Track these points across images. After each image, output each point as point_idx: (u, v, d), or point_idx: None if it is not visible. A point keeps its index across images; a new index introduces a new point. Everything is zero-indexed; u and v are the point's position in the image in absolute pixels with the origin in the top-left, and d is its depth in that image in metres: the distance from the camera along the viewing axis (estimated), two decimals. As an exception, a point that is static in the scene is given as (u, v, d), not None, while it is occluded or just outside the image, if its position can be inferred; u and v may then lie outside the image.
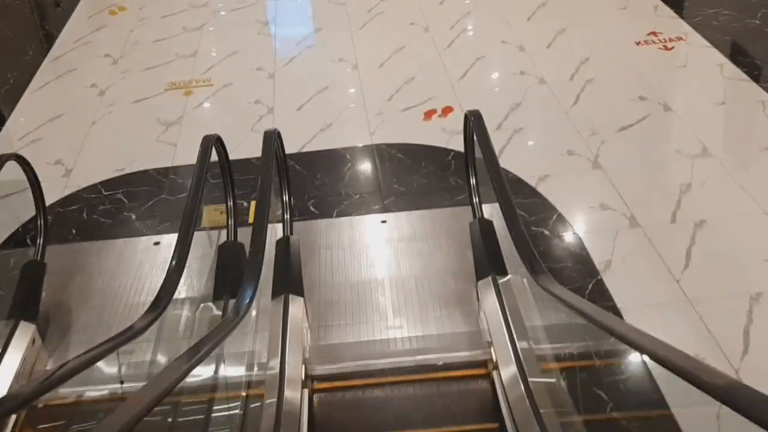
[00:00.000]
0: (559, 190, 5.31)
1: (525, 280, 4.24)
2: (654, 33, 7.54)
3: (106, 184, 5.83)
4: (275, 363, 3.65)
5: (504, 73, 7.09)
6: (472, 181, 4.71)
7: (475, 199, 4.67)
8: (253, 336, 4.04)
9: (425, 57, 7.44)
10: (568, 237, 4.84)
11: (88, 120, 6.80)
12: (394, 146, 5.99)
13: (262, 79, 7.26)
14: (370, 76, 7.17)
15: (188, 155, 5.45)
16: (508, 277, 4.25)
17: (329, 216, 5.22)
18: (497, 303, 3.96)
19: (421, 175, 5.60)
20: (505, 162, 5.66)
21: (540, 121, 6.22)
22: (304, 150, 6.06)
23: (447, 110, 6.44)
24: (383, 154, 5.92)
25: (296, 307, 4.09)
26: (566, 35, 7.64)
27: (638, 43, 7.36)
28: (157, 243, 5.13)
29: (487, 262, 4.24)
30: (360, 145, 6.06)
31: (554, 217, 5.01)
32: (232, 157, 5.39)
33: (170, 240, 5.02)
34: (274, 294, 4.18)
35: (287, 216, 4.67)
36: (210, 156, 4.26)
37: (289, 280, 4.24)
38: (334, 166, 5.81)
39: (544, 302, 3.62)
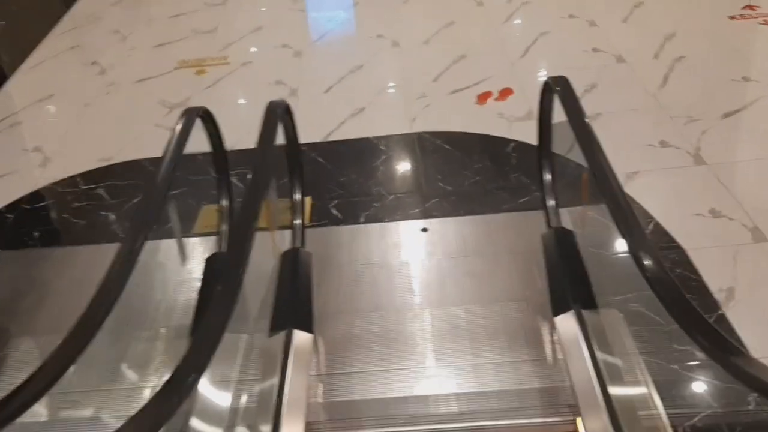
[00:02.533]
0: (653, 191, 4.10)
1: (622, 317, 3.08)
2: (750, 6, 6.32)
3: (87, 176, 4.80)
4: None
5: (573, 50, 5.87)
6: (547, 176, 3.54)
7: (551, 202, 3.49)
8: (236, 390, 2.95)
9: (478, 33, 6.29)
10: (671, 254, 3.63)
11: (80, 101, 5.82)
12: (440, 135, 4.84)
13: (286, 57, 6.18)
14: (412, 54, 6.04)
15: (190, 142, 4.40)
16: (600, 312, 3.09)
17: (355, 221, 4.10)
18: (585, 349, 2.81)
19: (473, 171, 4.44)
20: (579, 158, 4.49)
21: (622, 106, 5.00)
22: (330, 138, 4.94)
23: (505, 93, 5.27)
24: (426, 144, 4.78)
25: (302, 348, 2.99)
26: (644, 9, 6.47)
27: (732, 18, 6.11)
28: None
29: (569, 289, 3.08)
30: (398, 133, 4.93)
31: (649, 227, 3.81)
32: (241, 146, 4.33)
33: (152, 247, 3.96)
34: (273, 328, 3.09)
35: (298, 221, 3.56)
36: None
37: (295, 309, 3.14)
38: (365, 159, 4.68)
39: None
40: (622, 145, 4.60)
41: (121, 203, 4.45)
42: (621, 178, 4.21)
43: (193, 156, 4.37)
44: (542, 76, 5.45)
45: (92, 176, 4.79)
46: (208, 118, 3.26)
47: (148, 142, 5.02)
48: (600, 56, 5.66)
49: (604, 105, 4.99)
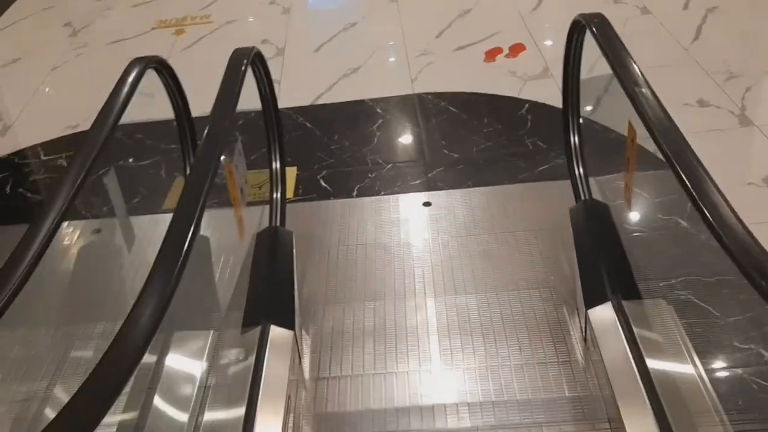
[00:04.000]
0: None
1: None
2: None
3: (49, 145, 4.26)
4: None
5: (591, 1, 5.26)
6: (574, 139, 2.97)
7: (580, 170, 2.92)
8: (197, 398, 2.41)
9: (486, -16, 5.68)
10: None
11: (48, 65, 5.25)
12: (444, 96, 4.27)
13: (274, 14, 5.59)
14: (412, 8, 5.44)
15: (164, 108, 3.87)
16: (645, 303, 2.54)
17: (347, 195, 3.54)
18: (627, 349, 2.27)
19: (482, 136, 3.87)
20: (606, 117, 3.92)
21: (651, 62, 4.38)
22: (319, 101, 4.37)
23: (517, 49, 4.68)
24: (428, 106, 4.20)
25: (281, 347, 2.46)
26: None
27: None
28: (97, 230, 3.53)
29: (606, 275, 2.53)
30: (396, 94, 4.35)
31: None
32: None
33: (112, 226, 3.43)
34: (246, 324, 2.55)
35: (277, 194, 3.00)
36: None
37: (272, 301, 2.59)
38: (359, 124, 4.11)
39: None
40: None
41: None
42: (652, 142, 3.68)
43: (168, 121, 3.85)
44: (557, 29, 4.84)
45: (55, 146, 4.24)
46: (163, 70, 2.69)
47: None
48: (622, 8, 5.06)
49: (629, 60, 4.39)
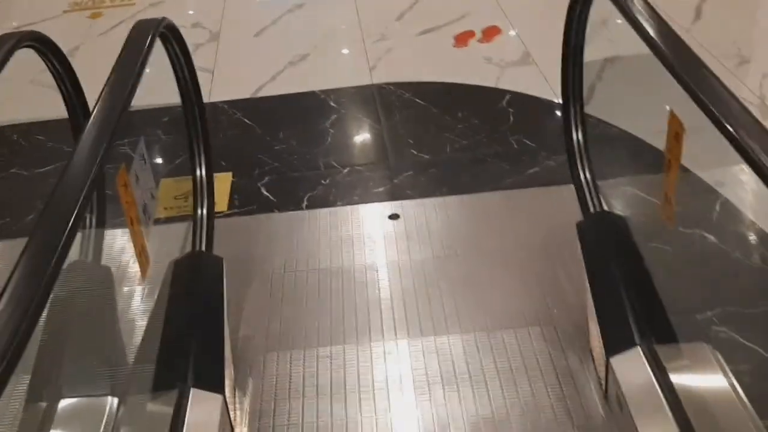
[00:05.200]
0: (710, 156, 2.96)
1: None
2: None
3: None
4: None
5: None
6: (578, 137, 2.34)
7: (586, 175, 2.30)
8: None
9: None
10: (755, 243, 2.50)
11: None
12: (409, 87, 3.62)
13: (208, -5, 4.88)
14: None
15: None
16: (683, 347, 1.95)
17: (295, 206, 2.87)
18: (667, 410, 1.69)
19: (457, 134, 3.24)
20: (600, 111, 3.33)
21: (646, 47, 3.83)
22: (260, 94, 3.69)
23: (491, 32, 4.06)
24: (391, 99, 3.56)
25: (204, 417, 1.80)
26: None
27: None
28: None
29: (631, 312, 1.92)
30: (353, 85, 3.69)
31: (717, 205, 2.67)
32: (147, 104, 3.15)
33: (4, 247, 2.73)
34: (158, 388, 1.87)
35: (202, 210, 2.31)
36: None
37: (193, 354, 1.92)
38: (309, 120, 3.44)
39: None
40: (657, 97, 3.43)
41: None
42: (662, 141, 3.11)
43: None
44: (535, 9, 4.25)
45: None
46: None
47: (20, 104, 3.71)
48: (605, -12, 4.48)
49: (622, 46, 3.81)
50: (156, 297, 2.18)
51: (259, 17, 4.47)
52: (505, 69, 3.70)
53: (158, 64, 2.21)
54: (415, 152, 3.14)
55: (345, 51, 4.07)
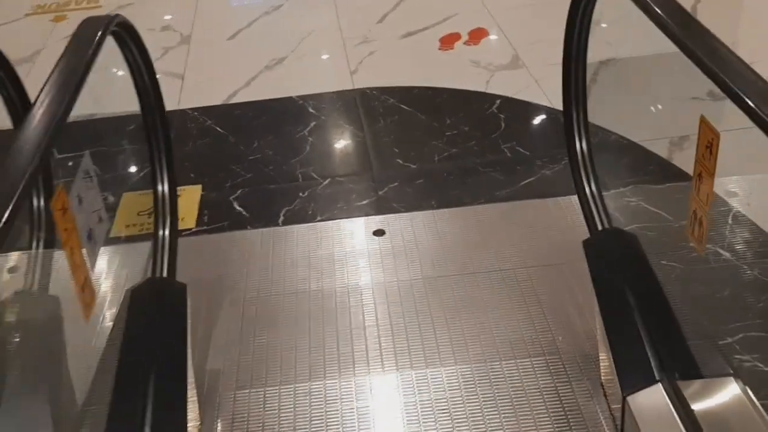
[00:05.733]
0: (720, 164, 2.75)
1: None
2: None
3: None
4: None
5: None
6: (581, 145, 2.12)
7: (591, 188, 2.07)
8: None
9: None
10: (776, 263, 2.28)
11: None
12: (394, 91, 3.39)
13: (180, -3, 4.62)
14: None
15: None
16: (710, 383, 1.72)
17: (270, 222, 2.63)
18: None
19: (446, 141, 3.01)
20: (600, 118, 3.13)
21: (642, 49, 3.63)
22: (234, 100, 3.44)
23: (478, 34, 3.85)
24: (374, 104, 3.32)
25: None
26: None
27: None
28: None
29: (650, 344, 1.70)
30: (333, 90, 3.46)
31: (729, 218, 2.45)
32: (112, 112, 2.94)
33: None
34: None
35: (164, 231, 2.05)
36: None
37: (151, 400, 1.67)
38: (286, 127, 3.20)
39: None
40: (657, 102, 3.23)
41: None
42: (665, 147, 2.91)
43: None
44: (523, 10, 4.04)
45: None
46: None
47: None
48: (596, -12, 4.28)
49: (616, 48, 3.61)
50: (109, 332, 1.93)
51: (233, 19, 4.22)
52: (494, 72, 3.48)
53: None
54: (401, 161, 2.91)
55: (325, 54, 3.83)
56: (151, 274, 1.98)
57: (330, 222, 2.59)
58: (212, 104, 3.39)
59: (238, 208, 2.70)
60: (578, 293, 2.13)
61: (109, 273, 2.36)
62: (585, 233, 2.17)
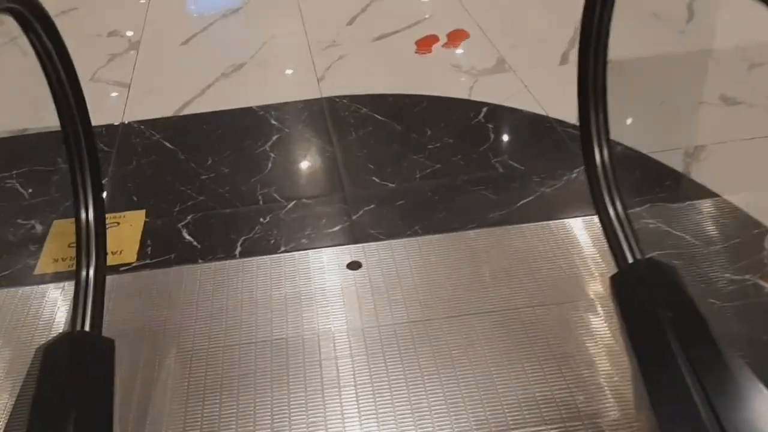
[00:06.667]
0: (734, 174, 2.42)
1: None
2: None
3: None
4: None
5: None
6: (601, 157, 1.75)
7: (616, 208, 1.70)
8: None
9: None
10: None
11: None
12: (366, 100, 3.01)
13: None
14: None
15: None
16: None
17: (225, 253, 2.22)
18: None
19: (428, 156, 2.63)
20: (623, 132, 2.79)
21: (642, 53, 3.30)
22: (186, 111, 3.04)
23: (458, 35, 3.48)
24: (344, 114, 2.94)
25: None
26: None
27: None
28: None
29: (710, 412, 1.32)
30: (298, 99, 3.07)
31: (766, 242, 2.10)
32: (43, 127, 2.55)
33: None
34: None
35: (87, 271, 1.64)
36: None
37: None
38: (245, 141, 2.80)
39: None
40: (665, 108, 2.88)
41: None
42: (679, 158, 2.57)
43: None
44: (504, 9, 3.69)
45: None
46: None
47: None
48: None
49: (613, 54, 3.27)
50: (14, 401, 1.51)
51: (187, 24, 3.81)
52: (478, 77, 3.11)
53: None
54: (377, 179, 2.52)
55: (288, 60, 3.44)
56: (70, 327, 1.57)
57: (296, 253, 2.19)
58: (161, 116, 2.98)
59: (187, 237, 2.29)
60: (600, 339, 1.77)
61: (27, 321, 1.94)
62: (602, 261, 1.81)
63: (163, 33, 3.75)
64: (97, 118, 2.93)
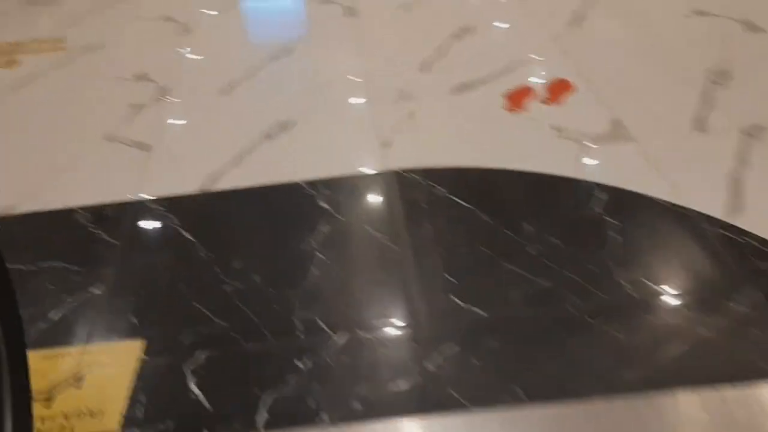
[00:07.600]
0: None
1: None
2: None
3: None
4: None
5: (661, 13, 3.41)
6: None
7: None
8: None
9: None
10: None
11: None
12: (443, 176, 2.34)
13: (165, 35, 3.63)
14: (380, 26, 3.53)
15: None
16: None
17: (242, 424, 1.56)
18: None
19: (526, 266, 1.94)
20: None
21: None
22: (217, 186, 2.41)
23: (559, 88, 2.79)
24: (415, 196, 2.27)
25: None
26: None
27: None
28: None
29: None
30: (357, 172, 2.42)
31: None
32: (39, 206, 1.95)
33: None
34: None
35: None
36: None
37: None
38: (286, 233, 2.16)
39: None
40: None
41: None
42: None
43: None
44: (620, 52, 2.98)
45: None
46: None
47: None
48: (712, 21, 3.21)
49: (742, 100, 2.53)
50: None
51: (231, 67, 3.21)
52: (588, 146, 2.41)
53: None
54: (459, 301, 1.84)
55: (347, 116, 2.80)
56: None
57: (344, 426, 1.53)
58: (184, 192, 2.37)
59: (195, 390, 1.65)
60: None
61: None
62: None
63: (200, 77, 3.16)
64: (105, 193, 2.32)
